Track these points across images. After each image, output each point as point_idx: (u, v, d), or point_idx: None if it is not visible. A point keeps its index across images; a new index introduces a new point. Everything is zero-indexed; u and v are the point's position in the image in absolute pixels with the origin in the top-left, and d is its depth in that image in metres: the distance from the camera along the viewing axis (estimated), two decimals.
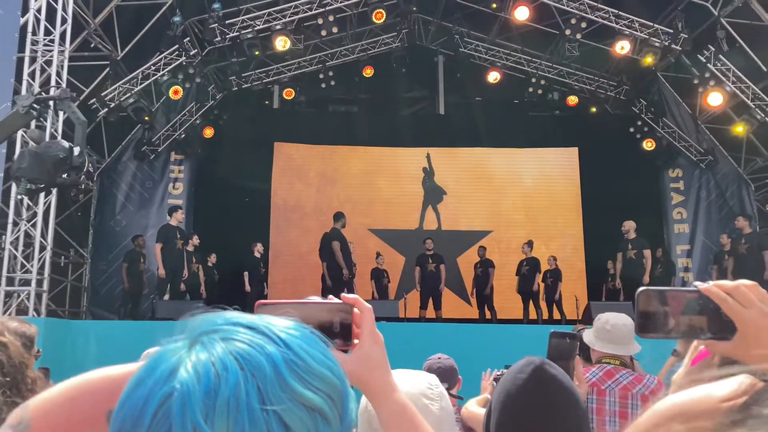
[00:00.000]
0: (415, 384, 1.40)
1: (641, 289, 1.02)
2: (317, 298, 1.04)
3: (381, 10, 11.83)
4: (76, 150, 5.39)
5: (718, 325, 0.97)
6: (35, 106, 5.74)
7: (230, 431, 0.57)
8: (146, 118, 12.37)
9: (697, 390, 0.82)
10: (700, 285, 0.99)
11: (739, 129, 12.53)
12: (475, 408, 2.73)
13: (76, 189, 9.88)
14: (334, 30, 12.10)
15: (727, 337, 0.96)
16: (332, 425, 0.63)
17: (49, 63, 9.39)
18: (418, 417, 1.04)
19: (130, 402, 0.61)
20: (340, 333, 1.00)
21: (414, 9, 13.09)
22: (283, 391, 0.60)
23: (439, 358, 3.29)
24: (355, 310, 1.02)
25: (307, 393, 0.61)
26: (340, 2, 11.98)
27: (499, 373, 3.06)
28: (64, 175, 5.46)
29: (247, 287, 11.54)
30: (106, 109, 11.70)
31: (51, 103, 6.35)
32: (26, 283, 9.04)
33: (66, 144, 5.50)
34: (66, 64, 9.56)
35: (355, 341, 1.01)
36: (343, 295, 1.02)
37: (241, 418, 0.57)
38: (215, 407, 0.57)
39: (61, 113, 8.54)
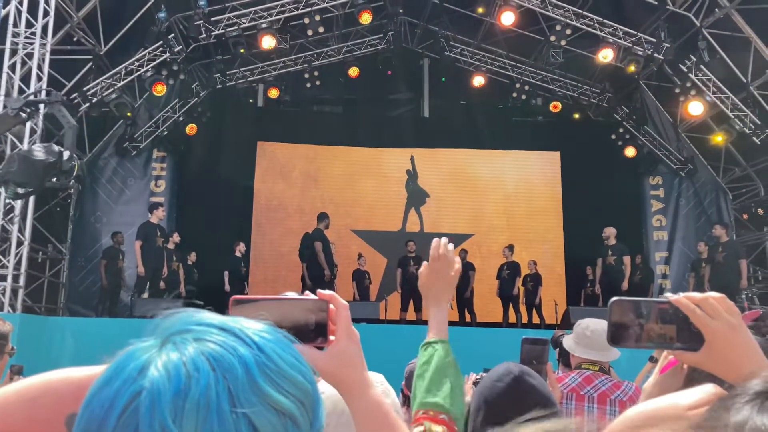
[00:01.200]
0: None
1: (614, 299, 1.04)
2: (294, 294, 1.03)
3: (368, 11, 11.85)
4: (66, 154, 5.38)
5: (687, 335, 0.99)
6: (25, 108, 5.72)
7: None
8: (128, 114, 12.28)
9: (665, 398, 0.84)
10: (670, 296, 1.01)
11: (719, 138, 12.72)
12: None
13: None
14: (321, 30, 12.09)
15: (696, 347, 0.98)
16: (302, 429, 0.62)
17: (30, 56, 9.28)
18: (393, 413, 1.04)
19: (96, 400, 0.60)
20: (316, 330, 1.00)
21: (400, 11, 13.12)
22: (254, 394, 0.59)
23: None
24: (331, 306, 1.01)
25: (278, 396, 0.61)
26: (327, 2, 11.97)
27: (478, 377, 3.08)
28: (54, 179, 5.45)
29: (227, 287, 11.48)
30: (87, 104, 11.59)
31: (41, 105, 6.30)
32: (2, 278, 8.93)
33: (56, 148, 5.49)
34: (48, 57, 9.46)
35: (331, 338, 1.01)
36: (319, 291, 1.02)
37: (210, 420, 0.57)
38: (184, 408, 0.57)
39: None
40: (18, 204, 9.02)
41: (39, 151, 5.43)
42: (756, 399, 0.65)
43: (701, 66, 11.94)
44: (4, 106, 6.33)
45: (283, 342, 0.66)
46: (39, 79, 9.31)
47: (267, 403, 0.60)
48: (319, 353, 0.99)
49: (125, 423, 0.57)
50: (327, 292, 1.02)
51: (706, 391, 0.80)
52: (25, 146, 8.70)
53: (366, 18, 11.93)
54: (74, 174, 5.41)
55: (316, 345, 0.99)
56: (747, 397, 0.65)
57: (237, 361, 0.60)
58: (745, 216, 13.42)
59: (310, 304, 1.00)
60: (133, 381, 0.59)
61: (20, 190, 5.47)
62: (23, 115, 5.70)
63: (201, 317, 0.65)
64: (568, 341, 3.22)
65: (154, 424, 0.56)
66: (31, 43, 9.30)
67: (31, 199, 9.27)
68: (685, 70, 12.06)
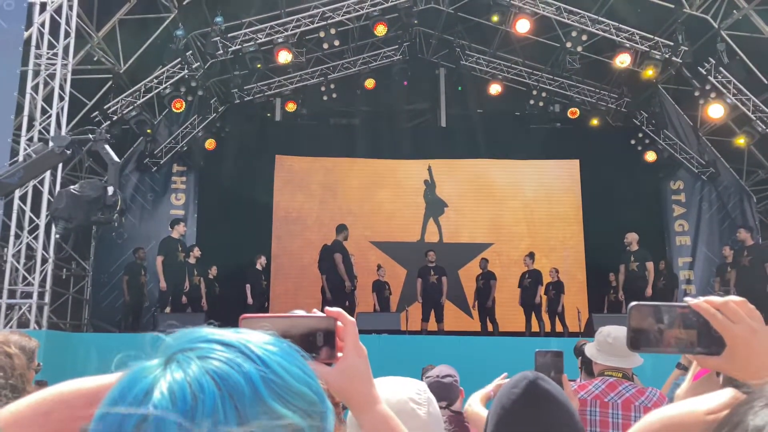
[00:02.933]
0: (403, 389, 1.43)
1: (633, 303, 1.02)
2: (302, 312, 1.05)
3: (383, 23, 11.91)
4: (110, 189, 5.70)
5: (708, 340, 0.97)
6: (69, 146, 6.08)
7: None
8: (148, 131, 12.44)
9: (685, 403, 0.83)
10: (690, 300, 0.99)
11: (741, 141, 12.54)
12: (477, 407, 2.72)
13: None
14: (336, 43, 12.17)
15: (717, 351, 0.96)
16: None
17: (52, 76, 9.45)
18: (401, 428, 1.04)
19: (104, 424, 0.59)
20: (324, 346, 1.01)
21: (415, 22, 13.17)
22: (261, 411, 0.59)
23: (438, 375, 3.25)
24: (339, 323, 1.02)
25: (285, 412, 0.60)
26: (342, 15, 12.06)
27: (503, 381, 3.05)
28: (99, 214, 5.78)
29: (250, 300, 11.53)
30: (108, 122, 11.75)
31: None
32: (28, 295, 9.04)
33: (100, 184, 5.85)
34: (69, 77, 9.62)
35: (339, 354, 1.02)
36: (327, 308, 1.03)
37: None
38: (192, 431, 0.56)
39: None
40: (42, 222, 9.16)
41: (84, 188, 5.75)
42: None
43: (720, 68, 11.81)
44: (50, 143, 6.59)
45: (289, 354, 0.66)
46: (61, 99, 9.46)
47: (275, 420, 0.60)
48: (328, 369, 1.00)
49: None
50: (334, 309, 1.03)
51: (725, 395, 0.79)
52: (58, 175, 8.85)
53: (381, 30, 11.99)
54: (117, 208, 5.71)
55: (324, 361, 1.00)
56: (765, 401, 0.64)
57: (242, 378, 0.60)
58: None
59: (318, 321, 1.02)
60: (139, 404, 0.58)
61: (69, 225, 5.78)
62: (68, 152, 6.00)
63: (204, 334, 0.65)
64: (590, 349, 3.19)
65: None
66: (53, 64, 9.46)
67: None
68: (704, 72, 11.94)
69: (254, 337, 0.65)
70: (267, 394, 0.60)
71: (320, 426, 0.64)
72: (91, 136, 6.15)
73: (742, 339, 0.94)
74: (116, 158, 6.19)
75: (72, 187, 5.94)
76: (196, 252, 11.34)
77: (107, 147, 6.14)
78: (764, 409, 0.63)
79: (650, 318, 1.01)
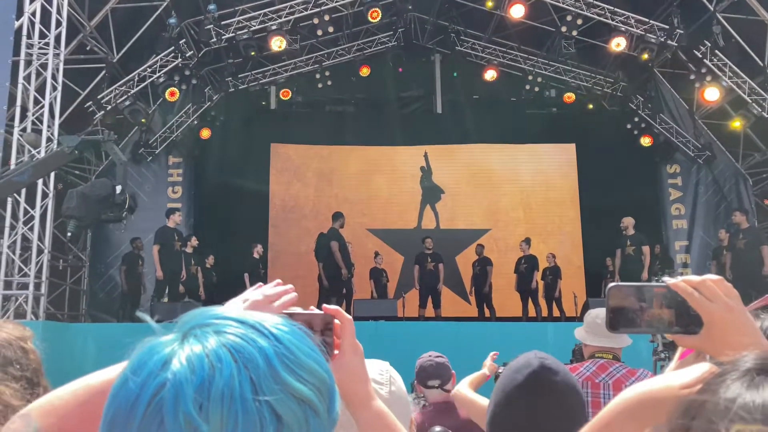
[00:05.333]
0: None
1: (611, 284, 1.03)
2: (299, 309, 1.05)
3: (376, 10, 11.85)
4: (118, 188, 5.88)
5: (686, 319, 0.98)
6: (79, 146, 6.23)
7: (224, 422, 0.58)
8: (143, 121, 12.38)
9: (660, 378, 0.85)
10: (668, 280, 1.00)
11: (737, 124, 12.53)
12: (467, 390, 2.74)
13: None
14: (330, 30, 12.11)
15: (695, 330, 0.97)
16: (321, 417, 0.64)
17: (44, 66, 9.40)
18: (397, 424, 1.06)
19: (122, 393, 0.62)
20: (321, 343, 1.01)
21: (409, 8, 13.11)
22: (275, 383, 0.61)
23: (430, 355, 3.33)
24: (336, 320, 1.03)
25: (298, 385, 0.63)
26: (336, 2, 11.99)
27: (500, 369, 3.08)
28: (109, 212, 5.96)
29: (249, 288, 11.54)
30: (102, 112, 11.70)
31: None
32: (24, 286, 9.05)
33: (109, 183, 6.05)
34: (61, 67, 9.57)
35: (335, 352, 1.03)
36: (324, 305, 1.04)
37: (234, 409, 0.59)
38: (209, 398, 0.59)
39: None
40: (37, 213, 9.15)
41: (94, 187, 5.93)
42: (746, 375, 0.64)
43: (716, 51, 11.77)
44: (59, 144, 6.67)
45: (299, 334, 0.68)
46: (54, 89, 9.42)
47: (288, 392, 0.62)
48: None
49: (151, 415, 0.59)
50: (332, 306, 1.04)
51: (700, 369, 0.80)
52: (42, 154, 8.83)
53: (375, 15, 11.93)
54: (126, 206, 5.86)
55: None
56: (737, 374, 0.65)
57: (257, 352, 0.62)
58: (766, 202, 13.22)
59: (316, 318, 1.02)
60: (157, 374, 0.61)
61: (80, 224, 5.93)
62: (76, 152, 6.12)
63: (219, 312, 0.67)
64: (579, 332, 3.22)
65: (178, 416, 0.58)
66: (45, 54, 9.41)
67: (50, 207, 9.39)
68: (700, 56, 11.91)
69: (267, 317, 0.68)
70: (281, 368, 0.63)
71: (328, 402, 0.66)
72: (100, 137, 6.32)
73: (719, 317, 0.94)
74: (124, 158, 6.41)
75: (81, 187, 6.13)
76: (194, 241, 11.34)
77: (115, 147, 6.33)
78: (736, 382, 0.64)
79: (629, 298, 1.02)
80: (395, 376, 1.37)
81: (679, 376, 0.83)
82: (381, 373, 1.35)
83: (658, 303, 1.00)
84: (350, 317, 1.04)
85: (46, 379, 2.08)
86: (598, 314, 3.11)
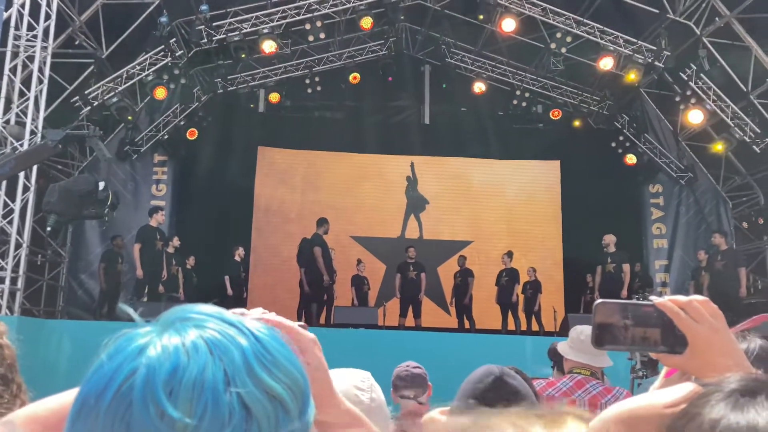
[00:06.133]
0: (348, 378, 1.47)
1: (598, 301, 1.03)
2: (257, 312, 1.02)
3: (369, 18, 11.88)
4: (101, 184, 5.78)
5: (671, 338, 0.98)
6: (63, 140, 6.14)
7: (193, 409, 0.59)
8: (129, 118, 12.29)
9: (644, 397, 0.85)
10: (655, 299, 1.00)
11: (719, 147, 12.70)
12: (438, 416, 2.71)
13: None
14: (322, 36, 12.13)
15: (680, 350, 0.98)
16: (292, 416, 0.64)
17: (31, 59, 9.30)
18: (368, 424, 1.05)
19: (96, 376, 0.62)
20: None
21: (402, 18, 13.16)
22: (248, 377, 0.62)
23: (408, 365, 3.31)
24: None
25: (271, 382, 0.63)
26: (328, 8, 12.01)
27: None
28: (91, 208, 5.86)
29: (229, 291, 11.51)
30: (89, 108, 11.60)
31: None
32: (0, 280, 8.92)
33: (92, 179, 5.94)
34: (49, 60, 9.48)
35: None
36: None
37: (204, 397, 0.59)
38: (180, 384, 0.59)
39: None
40: (17, 207, 9.03)
41: (76, 182, 5.82)
42: (731, 396, 0.65)
43: (701, 74, 11.95)
44: (43, 137, 6.59)
45: (279, 339, 0.69)
46: (40, 82, 9.33)
47: (260, 387, 0.62)
48: None
49: (121, 398, 0.59)
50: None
51: (684, 389, 0.81)
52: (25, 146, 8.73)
53: (367, 24, 11.96)
54: (108, 203, 5.77)
55: None
56: (722, 395, 0.66)
57: (234, 348, 0.63)
58: (745, 225, 13.41)
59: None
60: (133, 359, 0.61)
61: (61, 220, 5.83)
62: (60, 146, 6.03)
63: (202, 308, 0.68)
64: (562, 346, 3.24)
65: (147, 399, 0.58)
66: (33, 46, 9.32)
67: (30, 201, 9.28)
68: (686, 78, 12.07)
69: (248, 320, 0.69)
70: (256, 364, 0.63)
71: (301, 405, 0.66)
72: (85, 132, 6.24)
73: (704, 338, 0.95)
74: (108, 154, 6.31)
75: (64, 181, 6.03)
76: (176, 241, 11.26)
77: (100, 143, 6.24)
78: (720, 403, 0.64)
79: (615, 316, 1.02)
80: (375, 385, 1.38)
81: (663, 395, 0.83)
82: (363, 380, 1.37)
83: (644, 321, 1.01)
84: (312, 336, 1.00)
85: (21, 376, 2.05)
86: (583, 330, 3.13)
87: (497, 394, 1.49)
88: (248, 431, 0.60)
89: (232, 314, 0.68)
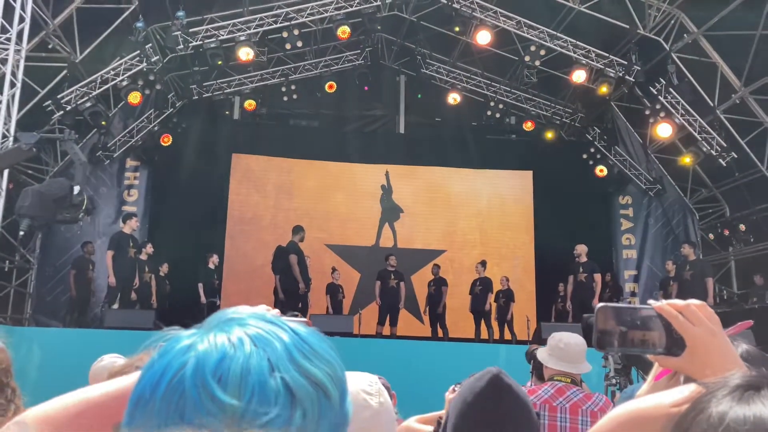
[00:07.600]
0: (356, 382, 1.50)
1: (600, 305, 1.09)
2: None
3: (346, 27, 11.94)
4: (76, 189, 5.70)
5: (670, 341, 1.04)
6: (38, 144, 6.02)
7: (241, 393, 0.63)
8: (103, 123, 12.14)
9: (650, 397, 0.89)
10: (653, 303, 1.06)
11: (686, 160, 13.01)
12: (415, 425, 2.73)
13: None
14: (299, 44, 12.15)
15: (677, 353, 1.03)
16: (333, 402, 0.69)
17: (4, 61, 9.16)
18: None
19: (149, 373, 0.67)
20: None
21: (378, 28, 13.24)
22: (291, 364, 0.66)
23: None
24: None
25: (312, 369, 0.67)
26: (306, 17, 12.04)
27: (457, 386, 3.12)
28: (65, 213, 5.76)
29: (203, 298, 11.40)
30: (61, 112, 11.43)
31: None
32: None
33: (67, 183, 5.84)
34: (22, 63, 9.34)
35: None
36: None
37: (251, 381, 0.63)
38: (229, 371, 0.64)
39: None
40: None
41: (50, 186, 5.72)
42: (736, 391, 0.70)
43: (670, 89, 12.25)
44: (17, 140, 6.45)
45: (318, 334, 0.73)
46: (12, 85, 9.18)
47: (303, 373, 0.66)
48: None
49: (174, 388, 0.64)
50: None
51: (688, 389, 0.85)
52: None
53: (344, 33, 12.02)
54: (84, 207, 5.69)
55: None
56: (727, 390, 0.70)
57: (276, 341, 0.68)
58: (711, 236, 13.74)
59: None
60: (183, 354, 0.66)
61: (34, 223, 5.73)
62: (34, 150, 5.94)
63: (242, 310, 0.73)
64: (541, 353, 3.29)
65: (198, 386, 0.63)
66: (6, 49, 9.17)
67: (0, 206, 9.10)
68: (655, 92, 12.36)
69: (287, 319, 0.74)
70: (297, 354, 0.68)
71: (341, 392, 0.71)
72: (60, 135, 6.16)
73: (701, 341, 1.00)
74: (83, 158, 6.24)
75: (38, 185, 5.93)
76: (149, 249, 11.13)
77: (75, 146, 6.15)
78: (726, 397, 0.69)
79: (615, 319, 1.08)
80: (383, 389, 1.41)
81: (668, 396, 0.88)
82: (371, 384, 1.39)
83: (644, 325, 1.07)
84: None
85: (15, 381, 2.04)
86: (561, 338, 3.19)
87: (494, 392, 1.56)
88: (293, 415, 0.64)
89: (274, 316, 0.73)
